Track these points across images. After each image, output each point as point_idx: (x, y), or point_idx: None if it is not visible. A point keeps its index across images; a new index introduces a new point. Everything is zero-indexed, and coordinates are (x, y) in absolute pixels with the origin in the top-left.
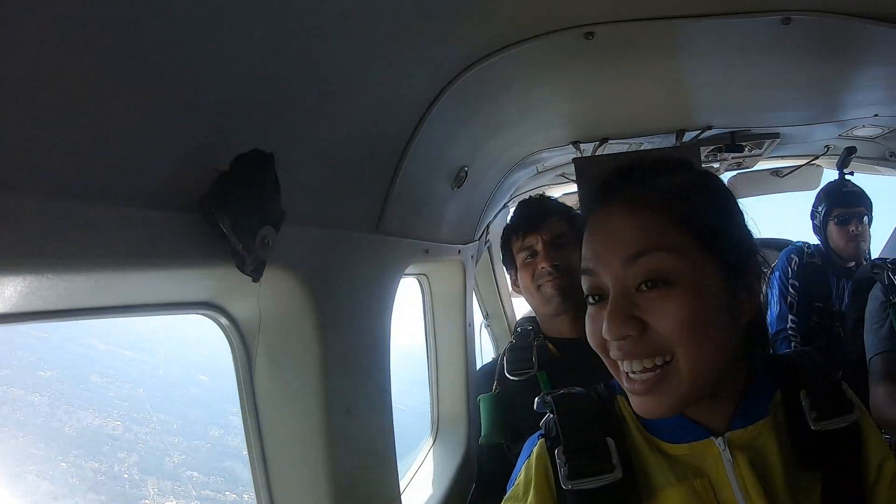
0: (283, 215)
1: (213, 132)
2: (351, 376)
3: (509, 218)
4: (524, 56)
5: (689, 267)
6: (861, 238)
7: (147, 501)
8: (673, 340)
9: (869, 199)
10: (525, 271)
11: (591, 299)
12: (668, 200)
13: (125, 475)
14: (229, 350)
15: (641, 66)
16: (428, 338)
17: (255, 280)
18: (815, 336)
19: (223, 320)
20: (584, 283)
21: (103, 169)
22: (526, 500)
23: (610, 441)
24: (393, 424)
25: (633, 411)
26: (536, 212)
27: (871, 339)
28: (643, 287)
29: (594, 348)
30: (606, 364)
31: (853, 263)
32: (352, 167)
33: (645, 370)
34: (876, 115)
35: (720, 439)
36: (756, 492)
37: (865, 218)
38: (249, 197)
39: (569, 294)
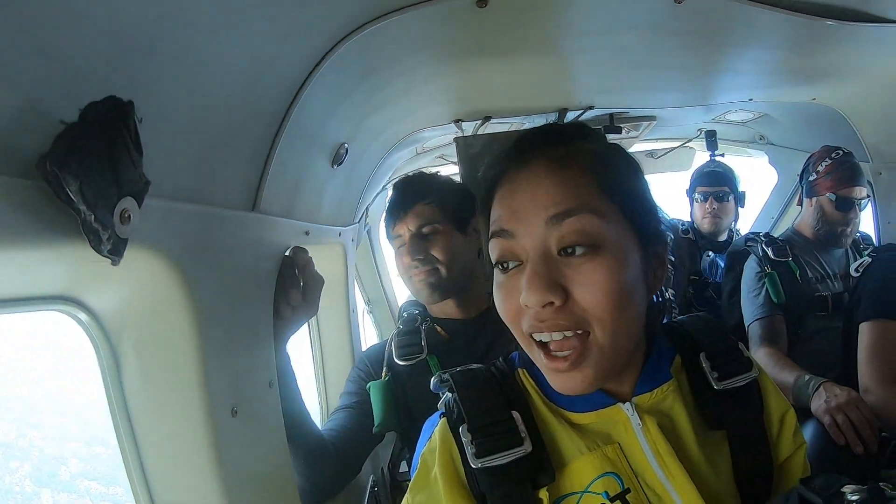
0: (147, 185)
1: (57, 78)
2: (234, 373)
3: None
4: (412, 23)
5: (614, 232)
6: (717, 214)
7: None
8: (595, 311)
9: (732, 179)
10: (398, 259)
11: (501, 266)
12: (593, 164)
13: (17, 487)
14: (92, 350)
15: (530, 41)
16: (310, 326)
17: (115, 263)
18: (692, 307)
19: (82, 316)
20: (495, 248)
21: None
22: (432, 486)
23: (515, 414)
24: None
25: (537, 382)
26: (404, 198)
27: (749, 307)
28: (566, 252)
29: (506, 321)
30: (518, 339)
31: (725, 238)
32: (224, 136)
33: (565, 339)
34: (750, 100)
35: (627, 404)
36: (667, 452)
37: (731, 196)
38: (104, 156)
39: (434, 285)
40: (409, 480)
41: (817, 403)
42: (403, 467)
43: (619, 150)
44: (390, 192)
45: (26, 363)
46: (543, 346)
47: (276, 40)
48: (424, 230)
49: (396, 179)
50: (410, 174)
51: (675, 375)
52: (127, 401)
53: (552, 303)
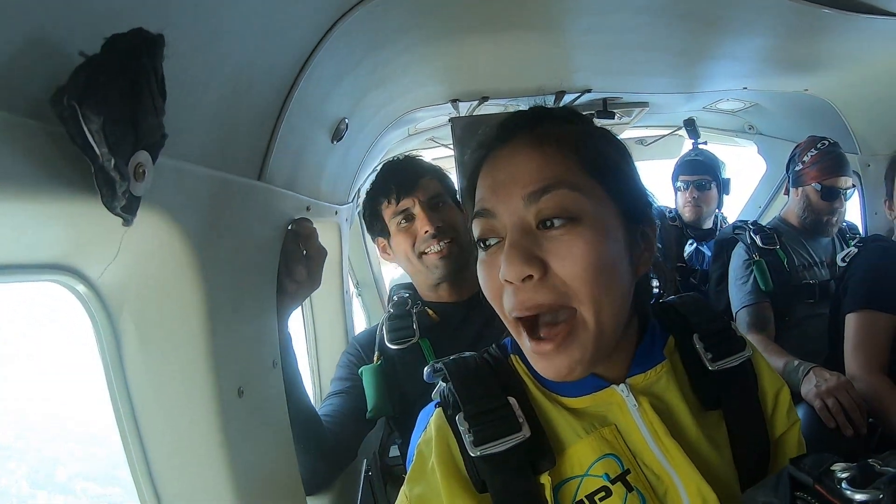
0: (164, 138)
1: (73, 10)
2: (240, 351)
3: (371, 182)
4: None
5: (594, 207)
6: (698, 202)
7: None
8: (574, 284)
9: (715, 167)
10: (403, 237)
11: (482, 244)
12: (574, 142)
13: (13, 489)
14: (90, 325)
15: (532, 20)
16: (304, 308)
17: (128, 223)
18: (678, 294)
19: (80, 287)
20: (477, 227)
21: None
22: (429, 477)
23: (512, 400)
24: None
25: (529, 369)
26: (408, 173)
27: (737, 294)
28: (545, 225)
29: (489, 299)
30: (504, 320)
31: (710, 225)
32: (235, 99)
33: (553, 323)
34: (745, 88)
35: (622, 385)
36: (664, 432)
37: (712, 184)
38: (126, 97)
39: (454, 258)
40: (399, 465)
41: (807, 388)
42: (393, 452)
43: (606, 133)
44: (377, 174)
45: (25, 363)
46: (529, 328)
47: (289, 4)
48: (435, 202)
49: (383, 164)
50: (400, 156)
51: (668, 356)
52: (128, 381)
53: (531, 276)
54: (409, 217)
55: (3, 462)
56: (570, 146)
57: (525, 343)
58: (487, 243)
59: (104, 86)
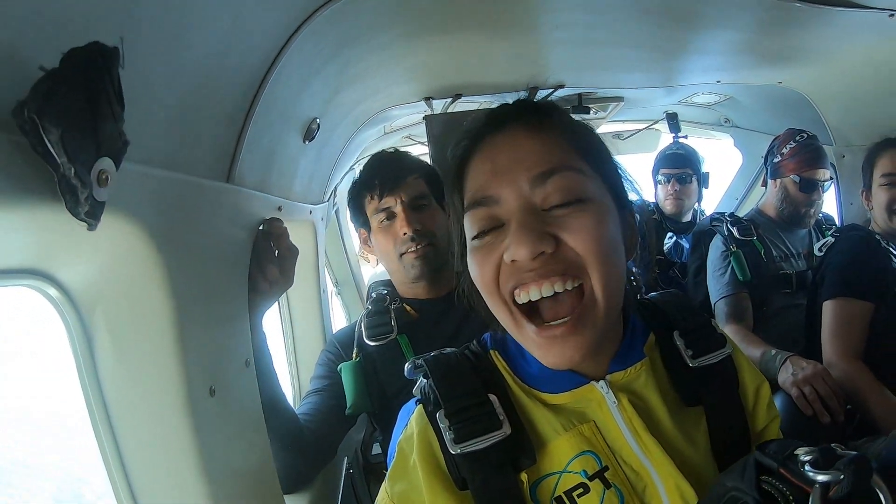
0: (126, 145)
1: (35, 23)
2: (211, 351)
3: (359, 172)
4: None
5: (595, 190)
6: (679, 195)
7: None
8: (587, 256)
9: (695, 161)
10: (384, 235)
11: (477, 237)
12: (566, 130)
13: None
14: (63, 329)
15: (504, 16)
16: (281, 307)
17: (91, 228)
18: (657, 287)
19: (52, 292)
20: (475, 218)
21: None
22: (411, 474)
23: (493, 397)
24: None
25: (509, 365)
26: (395, 169)
27: (715, 285)
28: (553, 207)
29: (482, 286)
30: (498, 310)
31: (689, 219)
32: (200, 101)
33: (559, 300)
34: (718, 82)
35: (602, 382)
36: (643, 428)
37: (693, 178)
38: (85, 108)
39: (430, 260)
40: (382, 462)
41: (784, 376)
42: (376, 449)
43: (588, 126)
44: (359, 169)
45: (54, 371)
46: (531, 315)
47: (255, 3)
48: (418, 203)
49: (372, 154)
50: (388, 150)
51: (648, 354)
52: (101, 383)
53: (543, 253)
54: (390, 216)
55: (29, 480)
56: (567, 133)
57: (527, 331)
58: (484, 233)
59: (63, 97)
